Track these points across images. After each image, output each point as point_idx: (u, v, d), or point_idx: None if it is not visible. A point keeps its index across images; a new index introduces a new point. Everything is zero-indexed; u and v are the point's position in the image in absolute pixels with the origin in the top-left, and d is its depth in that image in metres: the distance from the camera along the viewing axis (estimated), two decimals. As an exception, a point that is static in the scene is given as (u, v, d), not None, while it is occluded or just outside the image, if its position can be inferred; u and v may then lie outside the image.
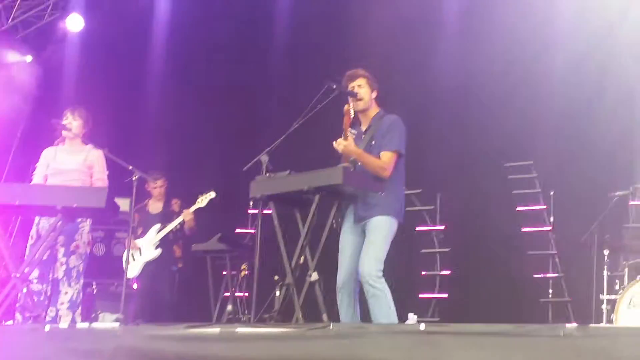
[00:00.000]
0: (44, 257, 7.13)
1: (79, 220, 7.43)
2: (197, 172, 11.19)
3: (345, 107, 6.29)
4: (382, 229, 6.16)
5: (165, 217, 9.61)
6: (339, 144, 6.17)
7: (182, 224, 9.47)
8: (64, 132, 7.68)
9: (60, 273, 7.36)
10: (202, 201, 9.42)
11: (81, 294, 7.56)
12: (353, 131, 6.36)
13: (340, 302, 6.23)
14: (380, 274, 6.01)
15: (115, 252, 10.65)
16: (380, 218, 6.17)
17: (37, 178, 7.66)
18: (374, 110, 6.55)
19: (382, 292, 6.00)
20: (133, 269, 9.25)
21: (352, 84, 6.47)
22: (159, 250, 9.37)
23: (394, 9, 10.16)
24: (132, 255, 9.13)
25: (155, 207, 9.80)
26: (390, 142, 6.30)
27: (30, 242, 7.48)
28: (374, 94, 6.54)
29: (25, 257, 7.24)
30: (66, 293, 7.34)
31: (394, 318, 6.00)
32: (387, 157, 6.26)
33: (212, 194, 9.41)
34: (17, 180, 10.31)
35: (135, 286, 9.48)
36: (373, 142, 6.36)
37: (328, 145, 6.29)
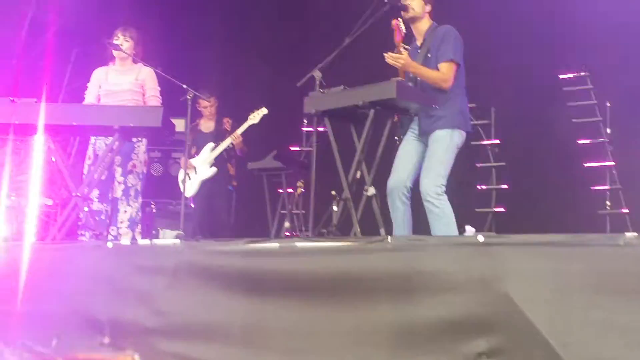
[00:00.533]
0: (103, 177, 7.24)
1: (135, 139, 7.51)
2: (249, 90, 11.18)
3: (393, 21, 6.22)
4: (443, 143, 6.11)
5: (219, 135, 9.64)
6: (397, 59, 6.11)
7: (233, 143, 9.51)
8: (114, 52, 7.72)
9: (118, 192, 7.48)
10: (255, 117, 9.40)
11: (140, 213, 7.69)
12: (407, 47, 6.31)
13: (391, 205, 6.24)
14: (441, 190, 5.98)
15: (173, 172, 10.77)
16: (441, 132, 6.13)
17: (89, 98, 7.75)
18: (427, 23, 6.47)
19: (442, 210, 5.96)
20: (190, 188, 9.32)
21: None
22: (215, 169, 9.42)
23: None
24: (188, 175, 9.19)
25: (206, 126, 9.82)
26: (446, 52, 6.23)
27: (87, 162, 7.60)
28: (428, 7, 6.44)
29: (84, 177, 7.37)
30: (125, 212, 7.47)
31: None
32: (444, 68, 6.20)
33: (264, 110, 9.39)
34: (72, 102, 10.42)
35: (192, 206, 9.58)
36: (429, 55, 6.30)
37: (381, 60, 6.25)
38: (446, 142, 6.13)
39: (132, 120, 6.76)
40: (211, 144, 9.51)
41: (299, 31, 11.43)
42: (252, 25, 11.81)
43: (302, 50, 10.57)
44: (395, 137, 6.21)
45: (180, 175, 9.30)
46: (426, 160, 6.14)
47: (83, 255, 5.77)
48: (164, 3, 11.69)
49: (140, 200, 7.68)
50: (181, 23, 11.90)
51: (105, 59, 7.94)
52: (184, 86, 7.43)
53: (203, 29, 11.77)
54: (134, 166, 7.58)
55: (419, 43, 6.49)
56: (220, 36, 12.01)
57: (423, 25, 6.45)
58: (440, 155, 6.10)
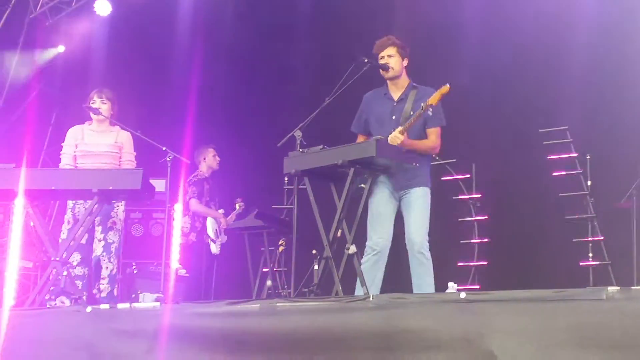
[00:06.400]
0: (83, 241, 7.20)
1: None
2: (229, 150, 11.18)
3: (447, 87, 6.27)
4: (425, 200, 6.42)
5: None
6: (396, 139, 6.21)
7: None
8: (93, 116, 7.70)
9: (99, 249, 7.45)
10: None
11: (119, 271, 7.66)
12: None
13: (371, 262, 6.38)
14: (428, 243, 6.30)
15: (154, 232, 10.73)
16: (421, 190, 6.41)
17: (65, 158, 7.68)
18: (405, 79, 6.59)
19: (429, 261, 6.29)
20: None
21: (382, 54, 6.51)
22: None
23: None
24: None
25: None
26: (438, 119, 6.48)
27: (67, 226, 7.53)
28: (405, 62, 6.61)
29: (61, 240, 7.31)
30: (107, 268, 7.45)
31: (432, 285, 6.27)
32: (434, 135, 6.52)
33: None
34: (51, 166, 10.41)
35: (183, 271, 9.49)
36: (412, 113, 6.42)
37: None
38: (427, 200, 6.45)
39: (111, 183, 6.71)
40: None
41: (279, 91, 11.47)
42: (232, 85, 11.84)
43: (283, 109, 10.60)
44: (362, 185, 6.14)
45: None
46: (414, 215, 6.37)
47: (61, 321, 5.70)
48: (142, 67, 11.73)
49: (119, 257, 7.65)
50: (161, 82, 11.91)
51: (84, 121, 7.91)
52: (164, 148, 7.43)
53: (181, 89, 11.79)
54: (114, 223, 7.56)
55: (395, 97, 6.54)
56: (202, 97, 12.03)
57: (403, 82, 6.58)
58: (426, 212, 6.41)
